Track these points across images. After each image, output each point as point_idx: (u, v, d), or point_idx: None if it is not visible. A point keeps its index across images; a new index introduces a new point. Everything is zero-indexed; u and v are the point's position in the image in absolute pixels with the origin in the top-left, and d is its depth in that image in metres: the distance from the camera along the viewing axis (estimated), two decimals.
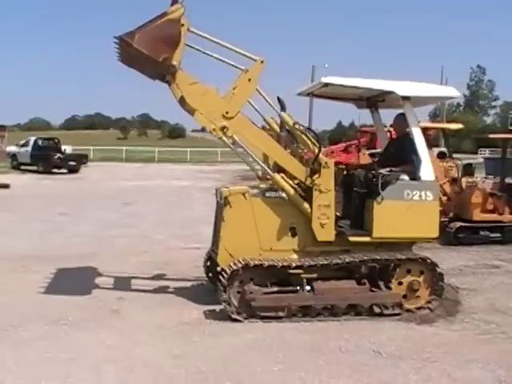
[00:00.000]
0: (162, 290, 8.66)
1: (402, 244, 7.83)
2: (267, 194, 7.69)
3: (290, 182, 7.59)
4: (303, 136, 7.91)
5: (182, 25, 7.05)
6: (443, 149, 17.91)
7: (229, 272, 7.15)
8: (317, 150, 7.51)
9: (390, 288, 7.50)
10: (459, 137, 60.45)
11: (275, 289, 7.24)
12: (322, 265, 7.30)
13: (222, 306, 7.22)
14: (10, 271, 9.67)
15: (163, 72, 7.25)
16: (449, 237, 13.05)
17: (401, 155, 7.98)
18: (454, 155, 16.24)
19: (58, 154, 37.00)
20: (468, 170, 14.56)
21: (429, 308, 7.63)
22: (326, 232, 7.55)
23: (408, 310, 7.55)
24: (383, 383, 5.37)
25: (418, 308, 7.63)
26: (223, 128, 7.36)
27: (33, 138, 39.95)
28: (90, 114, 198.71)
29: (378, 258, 7.40)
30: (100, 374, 5.56)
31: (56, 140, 40.66)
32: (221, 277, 7.24)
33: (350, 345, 6.37)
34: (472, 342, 6.63)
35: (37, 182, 30.83)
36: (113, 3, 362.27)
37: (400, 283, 7.56)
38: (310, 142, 7.82)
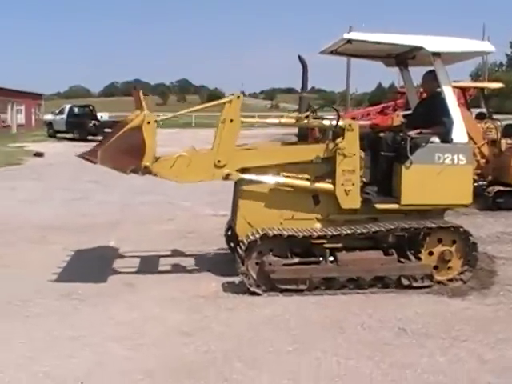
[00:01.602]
0: (182, 260, 8.31)
1: (433, 211, 7.31)
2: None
3: (300, 176, 7.17)
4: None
5: (149, 122, 6.66)
6: (483, 109, 17.17)
7: (246, 242, 6.75)
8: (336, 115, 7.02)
9: (419, 259, 7.00)
10: (502, 97, 58.76)
11: (296, 260, 6.82)
12: (345, 234, 6.84)
13: (240, 278, 6.84)
14: (28, 242, 9.45)
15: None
16: (487, 201, 12.42)
17: (431, 116, 7.40)
18: (495, 116, 15.50)
19: (93, 121, 37.09)
20: (508, 131, 13.77)
21: (461, 280, 7.10)
22: (350, 199, 7.07)
23: (439, 282, 7.06)
24: (406, 365, 4.90)
25: (450, 280, 7.11)
26: (227, 176, 6.99)
27: (68, 106, 40.20)
28: (129, 80, 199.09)
29: (407, 226, 6.89)
30: (104, 353, 5.23)
31: (91, 107, 40.79)
32: (238, 248, 6.85)
33: (373, 321, 5.92)
34: (507, 317, 6.10)
35: (71, 149, 30.62)
36: None
37: (430, 253, 7.05)
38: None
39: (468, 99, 22.12)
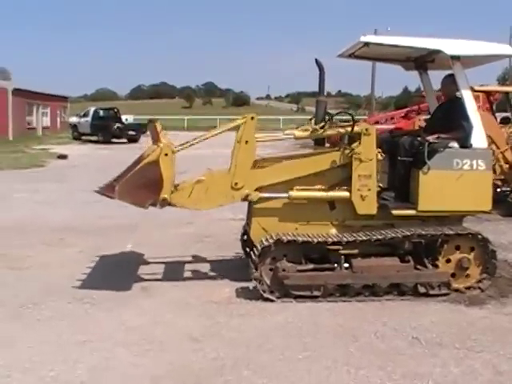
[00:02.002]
0: (198, 265, 8.24)
1: (451, 218, 7.15)
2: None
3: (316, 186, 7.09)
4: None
5: (166, 154, 6.64)
6: (508, 114, 16.92)
7: (260, 248, 6.66)
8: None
9: (436, 266, 6.85)
10: None
11: (310, 266, 6.72)
12: (361, 240, 6.72)
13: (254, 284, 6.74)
14: (44, 244, 9.46)
15: None
16: (510, 207, 12.23)
17: (450, 121, 7.26)
18: None
19: (118, 124, 37.31)
20: None
21: (479, 288, 6.94)
22: (367, 205, 6.95)
23: (456, 290, 6.90)
24: (418, 376, 4.77)
25: (468, 288, 6.95)
26: (247, 196, 6.93)
27: (92, 109, 40.47)
28: (156, 83, 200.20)
29: (424, 233, 6.75)
30: (112, 358, 5.17)
31: (115, 110, 41.00)
32: (252, 253, 6.76)
33: (388, 329, 5.79)
34: None
35: (95, 151, 31.06)
36: None
37: (448, 261, 6.89)
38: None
39: (494, 103, 21.86)
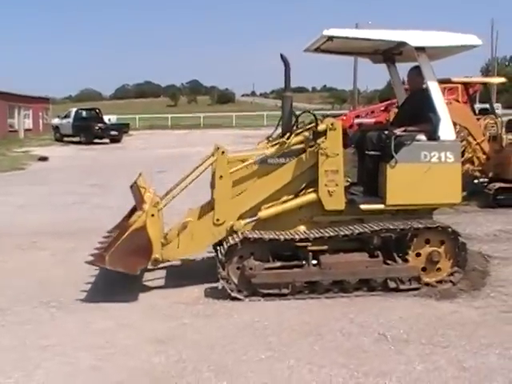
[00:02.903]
0: (172, 265, 8.11)
1: (421, 211, 7.08)
2: (270, 161, 7.01)
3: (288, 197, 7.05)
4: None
5: (152, 215, 6.69)
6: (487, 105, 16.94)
7: (226, 247, 6.58)
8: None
9: (406, 260, 6.78)
10: None
11: (278, 264, 6.64)
12: (328, 237, 6.64)
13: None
14: (16, 248, 9.32)
15: None
16: (487, 199, 12.16)
17: (417, 113, 7.18)
18: (508, 111, 15.16)
19: (99, 125, 37.09)
20: (511, 126, 13.52)
21: (451, 281, 6.87)
22: (334, 200, 6.86)
23: (428, 284, 6.83)
24: (382, 373, 4.69)
25: (439, 282, 6.88)
26: (231, 228, 6.87)
27: (74, 110, 40.35)
28: (140, 82, 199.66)
29: (392, 227, 6.68)
30: (74, 363, 5.07)
31: (97, 110, 40.85)
32: (218, 252, 6.68)
33: (354, 326, 5.71)
34: (494, 321, 5.85)
35: (76, 153, 30.88)
36: None
37: (418, 255, 6.83)
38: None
39: (474, 95, 21.87)
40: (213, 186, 7.18)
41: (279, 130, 7.41)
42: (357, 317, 5.95)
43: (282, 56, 7.24)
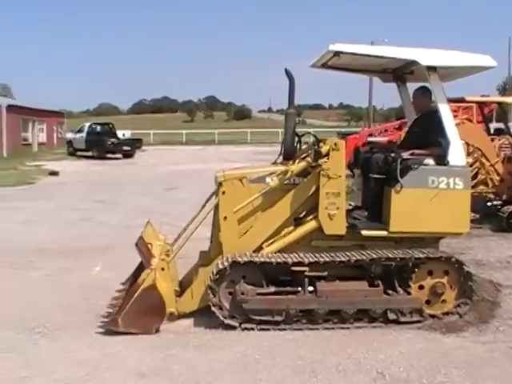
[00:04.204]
0: None
1: (427, 240, 6.69)
2: (268, 180, 6.67)
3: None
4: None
5: (162, 269, 6.42)
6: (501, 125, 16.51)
7: (215, 272, 6.23)
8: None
9: (408, 291, 6.40)
10: None
11: (272, 289, 6.27)
12: (324, 262, 6.26)
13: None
14: (9, 267, 9.03)
15: None
16: (501, 222, 11.73)
17: (426, 136, 6.84)
18: None
19: (112, 139, 37.11)
20: None
21: (458, 313, 6.49)
22: (335, 224, 6.50)
23: (433, 316, 6.43)
24: None
25: (446, 313, 6.48)
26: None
27: (87, 124, 40.46)
28: (157, 97, 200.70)
29: (391, 255, 6.27)
30: None
31: (111, 125, 40.99)
32: (208, 278, 6.33)
33: (351, 362, 5.32)
34: (502, 358, 5.44)
35: (88, 168, 30.74)
36: None
37: (421, 287, 6.42)
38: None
39: (491, 114, 21.42)
40: (214, 224, 6.92)
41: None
42: (355, 351, 5.56)
43: (286, 70, 6.95)
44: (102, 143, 36.71)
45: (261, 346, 5.75)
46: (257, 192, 6.62)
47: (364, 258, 6.26)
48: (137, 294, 6.30)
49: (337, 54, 6.65)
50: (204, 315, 6.50)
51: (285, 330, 6.16)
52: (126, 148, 37.24)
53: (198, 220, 6.86)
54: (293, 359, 5.43)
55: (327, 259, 6.28)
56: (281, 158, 7.10)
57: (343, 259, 6.26)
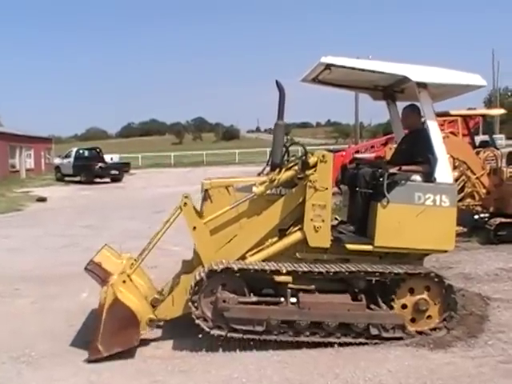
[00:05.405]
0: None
1: (411, 256, 6.66)
2: (255, 189, 6.59)
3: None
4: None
5: (124, 281, 6.40)
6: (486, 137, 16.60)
7: (193, 284, 6.17)
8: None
9: (391, 307, 6.35)
10: None
11: (253, 299, 6.22)
12: (303, 272, 6.22)
13: (206, 335, 6.18)
14: None
15: None
16: (488, 235, 11.72)
17: (414, 153, 6.85)
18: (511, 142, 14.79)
19: (100, 164, 37.06)
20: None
21: (445, 327, 6.44)
22: (319, 237, 6.47)
23: (421, 333, 6.37)
24: None
25: (433, 329, 6.44)
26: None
27: (74, 149, 40.53)
28: (146, 120, 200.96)
29: (370, 270, 6.25)
30: None
31: (98, 149, 40.95)
32: (189, 291, 6.23)
33: (339, 383, 5.27)
34: (491, 374, 5.40)
35: (76, 193, 30.64)
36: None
37: (404, 307, 6.39)
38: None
39: (475, 127, 21.52)
40: None
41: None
42: (342, 371, 5.51)
43: (277, 82, 6.87)
44: (89, 168, 36.67)
45: (247, 368, 5.69)
46: (237, 200, 6.64)
47: (342, 270, 6.22)
48: (104, 314, 6.21)
49: (328, 66, 6.65)
50: (190, 339, 6.42)
51: (271, 351, 6.08)
52: (113, 172, 37.22)
53: (159, 235, 6.81)
54: (280, 381, 5.38)
55: (305, 269, 6.24)
56: (268, 168, 7.06)
57: (322, 270, 6.21)
